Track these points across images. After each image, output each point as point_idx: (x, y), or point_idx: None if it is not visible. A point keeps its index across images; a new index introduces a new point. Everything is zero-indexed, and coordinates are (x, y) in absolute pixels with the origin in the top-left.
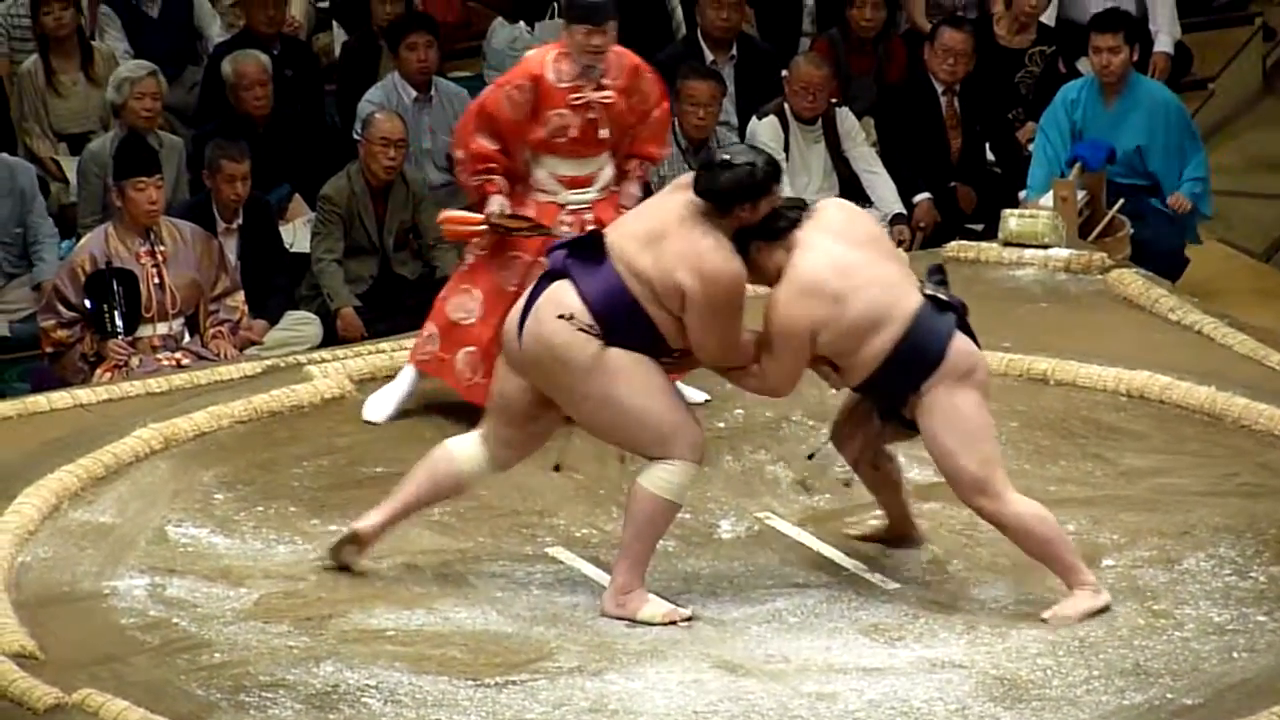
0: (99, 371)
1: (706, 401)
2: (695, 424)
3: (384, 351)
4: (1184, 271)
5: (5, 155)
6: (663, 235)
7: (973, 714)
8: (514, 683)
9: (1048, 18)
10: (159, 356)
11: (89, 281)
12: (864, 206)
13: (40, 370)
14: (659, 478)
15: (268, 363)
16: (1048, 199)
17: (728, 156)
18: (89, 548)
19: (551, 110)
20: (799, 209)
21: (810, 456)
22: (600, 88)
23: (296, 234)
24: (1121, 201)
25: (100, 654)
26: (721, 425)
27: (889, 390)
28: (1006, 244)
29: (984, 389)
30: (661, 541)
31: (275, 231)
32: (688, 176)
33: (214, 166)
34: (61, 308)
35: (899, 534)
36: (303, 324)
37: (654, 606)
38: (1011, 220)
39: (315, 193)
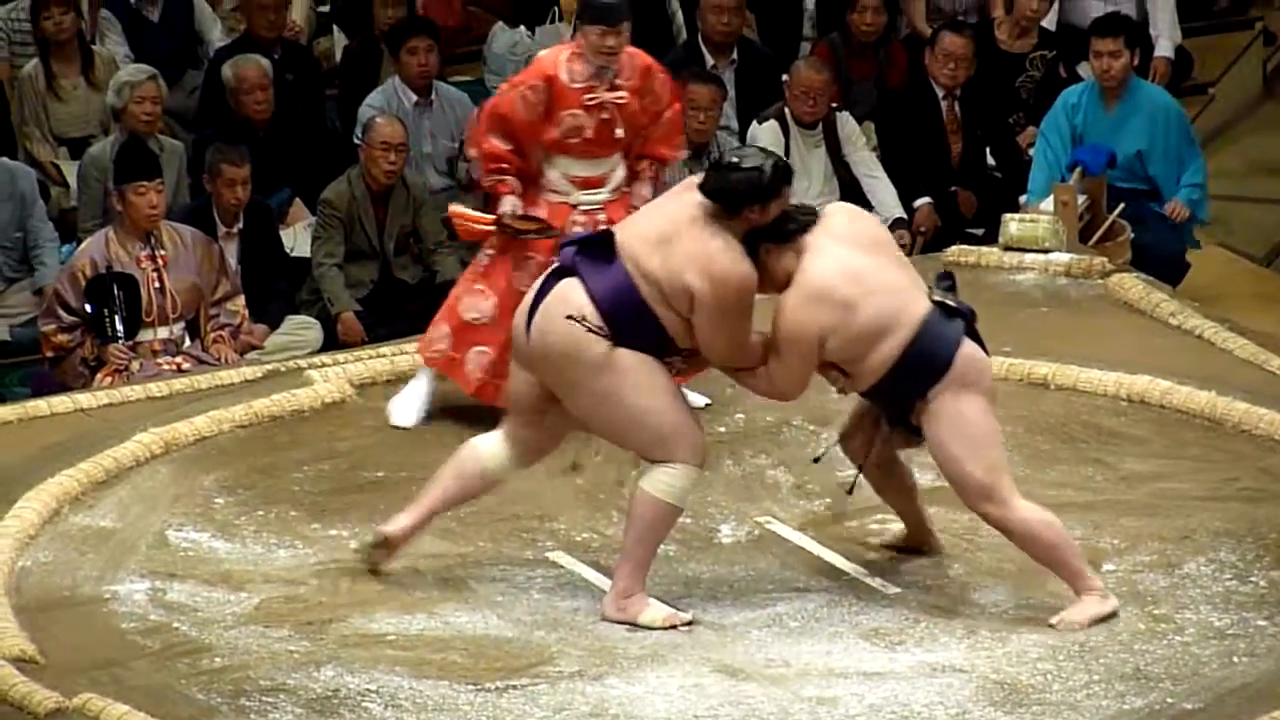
0: (99, 376)
1: (708, 406)
2: (697, 427)
3: (384, 356)
4: (1185, 276)
5: (5, 159)
6: (672, 236)
7: (973, 718)
8: (515, 687)
9: (1048, 22)
10: (159, 361)
11: (89, 286)
12: None
13: (41, 374)
14: (661, 481)
15: (268, 367)
16: (1048, 204)
17: (737, 158)
18: (89, 552)
19: (565, 111)
20: (810, 214)
21: (816, 459)
22: (614, 88)
23: (297, 238)
24: (1122, 206)
25: (101, 658)
26: (722, 430)
27: (896, 396)
28: (1007, 248)
29: (991, 395)
30: (662, 546)
31: (276, 236)
32: (698, 177)
33: (214, 171)
34: (62, 312)
35: (917, 542)
36: (303, 328)
37: (655, 611)
38: (1012, 225)
39: (316, 197)
